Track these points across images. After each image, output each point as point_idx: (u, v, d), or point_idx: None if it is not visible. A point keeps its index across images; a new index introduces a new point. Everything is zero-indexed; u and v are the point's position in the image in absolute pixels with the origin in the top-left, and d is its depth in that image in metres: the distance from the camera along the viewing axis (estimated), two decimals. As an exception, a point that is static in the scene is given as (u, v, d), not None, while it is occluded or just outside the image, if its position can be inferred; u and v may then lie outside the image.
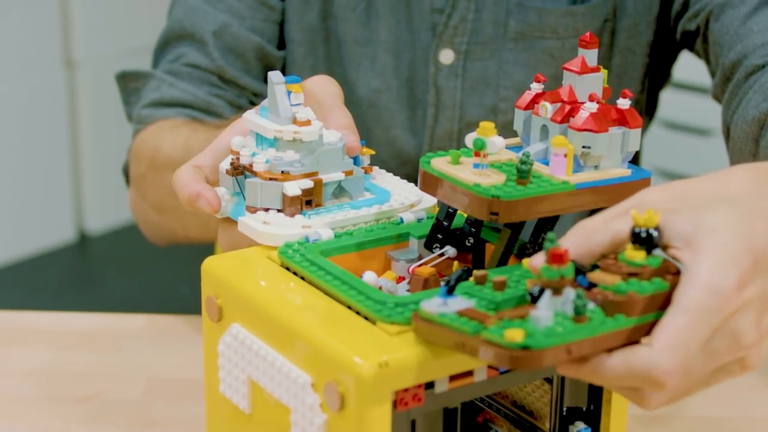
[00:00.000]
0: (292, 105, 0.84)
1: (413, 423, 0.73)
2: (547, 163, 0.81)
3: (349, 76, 1.28)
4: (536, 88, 0.84)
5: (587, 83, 0.82)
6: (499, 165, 0.81)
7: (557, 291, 0.69)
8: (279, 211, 0.84)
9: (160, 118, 1.24)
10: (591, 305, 0.69)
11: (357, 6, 1.26)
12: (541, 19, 1.23)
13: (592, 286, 0.71)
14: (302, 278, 0.79)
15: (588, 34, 0.83)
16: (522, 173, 0.78)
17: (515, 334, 0.66)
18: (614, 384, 0.69)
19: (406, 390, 0.71)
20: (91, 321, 1.19)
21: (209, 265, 0.82)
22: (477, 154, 0.78)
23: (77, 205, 3.22)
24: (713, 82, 1.19)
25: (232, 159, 0.86)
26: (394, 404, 0.71)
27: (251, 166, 0.84)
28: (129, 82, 1.29)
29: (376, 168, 0.91)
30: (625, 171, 0.81)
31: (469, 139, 0.79)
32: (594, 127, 0.79)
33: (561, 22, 1.24)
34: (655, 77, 1.32)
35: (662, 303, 0.70)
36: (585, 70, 0.82)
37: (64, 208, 3.17)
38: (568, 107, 0.81)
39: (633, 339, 0.69)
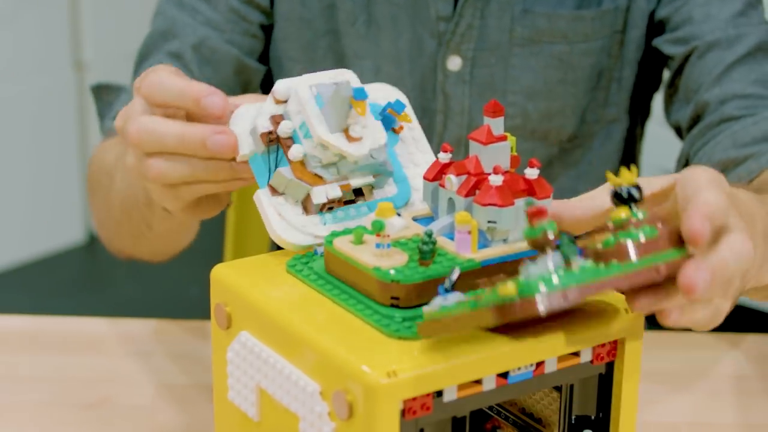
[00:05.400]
0: (348, 121, 0.83)
1: (421, 432, 0.74)
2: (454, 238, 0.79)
3: None
4: (444, 158, 0.81)
5: (493, 153, 0.79)
6: (405, 242, 0.79)
7: (543, 249, 0.69)
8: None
9: None
10: (582, 260, 0.69)
11: (356, 20, 1.25)
12: (550, 24, 1.24)
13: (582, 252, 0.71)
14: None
15: (493, 102, 0.80)
16: (424, 254, 0.76)
17: (508, 289, 0.67)
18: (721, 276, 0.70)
19: (414, 399, 0.71)
20: (100, 326, 1.19)
21: (219, 272, 0.82)
22: (378, 235, 0.77)
23: (86, 206, 3.22)
24: (675, 109, 1.24)
25: (269, 128, 0.84)
26: (403, 413, 0.71)
27: (288, 143, 0.83)
28: (103, 95, 1.27)
29: (407, 127, 0.89)
30: None
31: (369, 220, 0.78)
32: (498, 202, 0.77)
33: (571, 26, 1.25)
34: (647, 83, 1.33)
35: (656, 247, 0.70)
36: (491, 139, 0.79)
37: (73, 209, 3.17)
38: (473, 180, 0.79)
39: (635, 283, 0.69)
